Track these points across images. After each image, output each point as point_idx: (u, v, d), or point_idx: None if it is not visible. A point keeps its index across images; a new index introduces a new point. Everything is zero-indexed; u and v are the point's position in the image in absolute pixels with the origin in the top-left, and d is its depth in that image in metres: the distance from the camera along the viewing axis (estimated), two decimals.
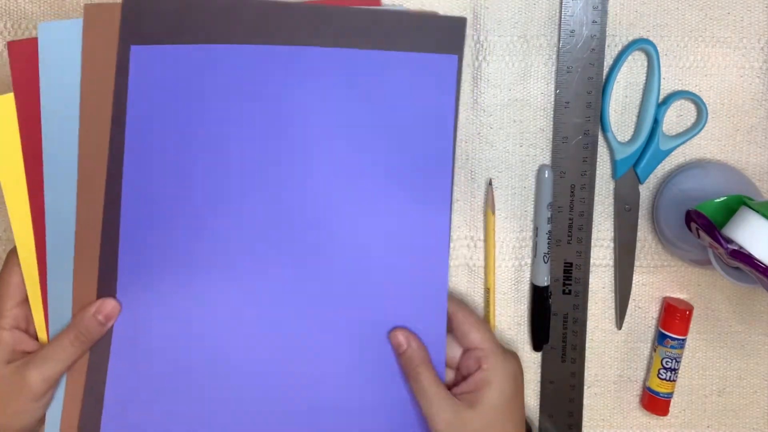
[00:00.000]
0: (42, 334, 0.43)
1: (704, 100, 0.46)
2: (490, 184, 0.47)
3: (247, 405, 0.44)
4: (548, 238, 0.46)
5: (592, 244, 0.48)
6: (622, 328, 0.49)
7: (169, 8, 0.41)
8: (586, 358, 0.48)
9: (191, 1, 0.41)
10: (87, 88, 0.41)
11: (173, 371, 0.44)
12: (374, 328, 0.44)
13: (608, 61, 0.46)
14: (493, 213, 0.47)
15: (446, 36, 0.43)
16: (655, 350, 0.48)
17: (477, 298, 0.48)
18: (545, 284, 0.47)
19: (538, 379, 0.49)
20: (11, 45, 0.40)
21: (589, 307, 0.48)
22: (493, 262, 0.47)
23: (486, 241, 0.47)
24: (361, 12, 0.43)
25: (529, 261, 0.48)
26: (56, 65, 0.41)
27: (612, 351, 0.49)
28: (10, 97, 0.41)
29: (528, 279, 0.48)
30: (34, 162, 0.41)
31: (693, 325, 0.48)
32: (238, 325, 0.44)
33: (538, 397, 0.49)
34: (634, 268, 0.48)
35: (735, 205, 0.40)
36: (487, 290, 0.48)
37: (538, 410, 0.49)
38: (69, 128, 0.41)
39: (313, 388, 0.45)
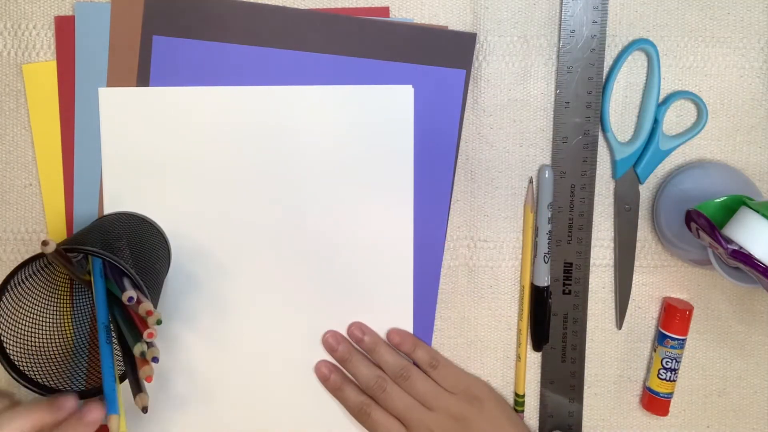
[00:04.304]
0: None
1: (704, 100, 0.46)
2: (531, 182, 0.47)
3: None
4: (548, 238, 0.46)
5: (592, 244, 0.48)
6: (622, 328, 0.49)
7: (187, 6, 0.44)
8: (586, 358, 0.48)
9: (209, 4, 0.44)
10: (114, 65, 0.45)
11: None
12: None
13: (608, 61, 0.46)
14: (533, 211, 0.47)
15: (456, 51, 0.44)
16: (655, 350, 0.48)
17: (476, 298, 0.48)
18: (545, 284, 0.47)
19: (538, 379, 0.49)
20: (57, 19, 0.46)
21: (589, 307, 0.48)
22: (529, 259, 0.47)
23: (524, 238, 0.47)
24: (375, 23, 0.44)
25: None
26: (89, 39, 0.45)
27: (612, 351, 0.49)
28: (53, 64, 0.46)
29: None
30: (68, 125, 0.46)
31: (693, 325, 0.48)
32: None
33: (539, 397, 0.49)
34: (634, 268, 0.48)
35: (735, 205, 0.40)
36: (522, 288, 0.48)
37: (538, 410, 0.49)
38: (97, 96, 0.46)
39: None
